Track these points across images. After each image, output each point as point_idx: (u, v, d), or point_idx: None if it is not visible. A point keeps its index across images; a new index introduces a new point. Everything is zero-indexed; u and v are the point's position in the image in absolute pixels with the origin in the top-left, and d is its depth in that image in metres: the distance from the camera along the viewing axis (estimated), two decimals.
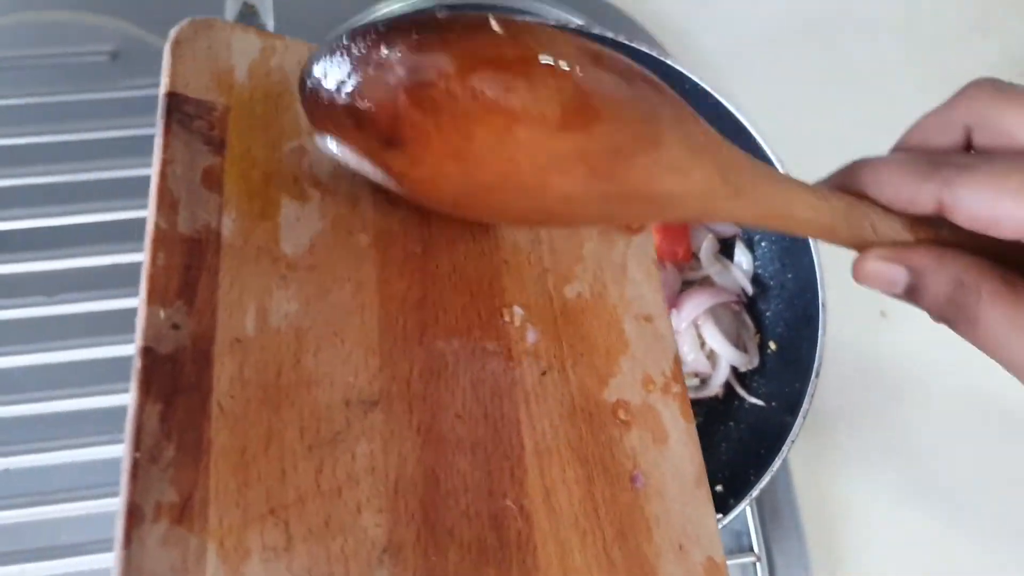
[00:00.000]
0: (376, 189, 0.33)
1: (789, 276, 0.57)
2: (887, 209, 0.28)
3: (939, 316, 0.28)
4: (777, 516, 0.57)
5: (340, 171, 0.33)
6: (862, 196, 0.28)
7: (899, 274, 0.27)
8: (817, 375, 0.48)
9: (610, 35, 0.59)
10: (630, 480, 0.33)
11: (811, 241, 0.51)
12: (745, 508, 0.57)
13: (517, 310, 0.34)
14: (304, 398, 0.27)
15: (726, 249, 0.61)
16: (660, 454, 0.34)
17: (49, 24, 0.66)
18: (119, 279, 0.58)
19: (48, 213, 0.59)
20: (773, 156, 0.54)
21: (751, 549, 0.59)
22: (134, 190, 0.60)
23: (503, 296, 0.34)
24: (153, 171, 0.29)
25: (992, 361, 0.59)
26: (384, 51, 0.24)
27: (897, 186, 0.26)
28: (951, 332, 0.58)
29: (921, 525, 0.54)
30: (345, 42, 0.25)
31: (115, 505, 0.51)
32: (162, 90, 0.30)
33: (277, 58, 0.34)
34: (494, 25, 0.24)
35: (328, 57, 0.25)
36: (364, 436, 0.27)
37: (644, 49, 0.58)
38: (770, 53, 0.65)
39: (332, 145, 0.26)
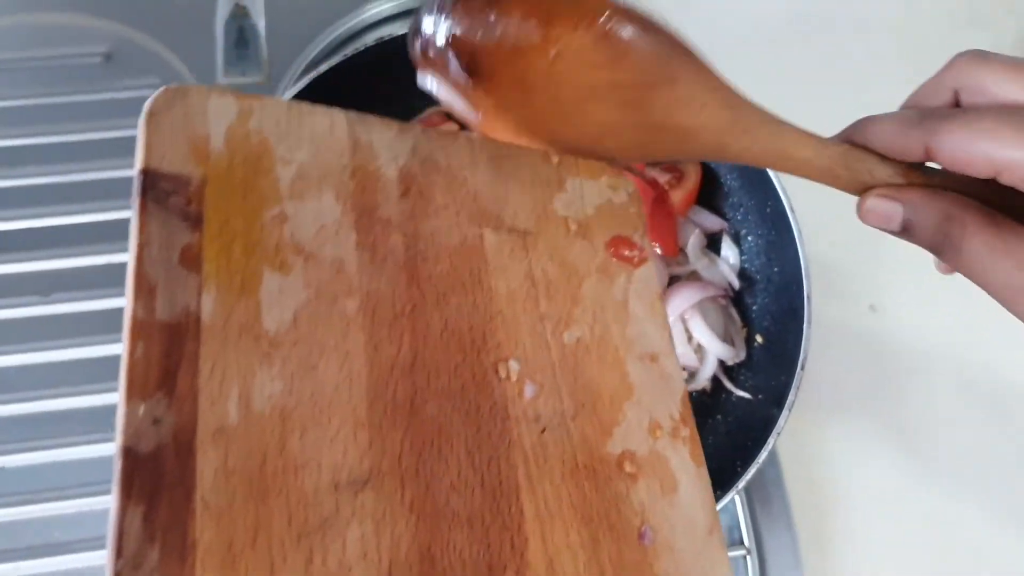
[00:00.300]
0: (363, 248, 0.33)
1: (775, 270, 0.57)
2: (884, 158, 0.31)
3: (929, 246, 0.31)
4: (767, 509, 0.57)
5: (323, 233, 0.32)
6: (863, 147, 0.32)
7: (895, 209, 0.31)
8: (803, 367, 0.49)
9: None
10: (638, 537, 0.32)
11: (796, 235, 0.52)
12: (735, 501, 0.58)
13: (513, 364, 0.33)
14: (291, 485, 0.26)
15: (713, 244, 0.61)
16: (669, 505, 0.33)
17: (43, 26, 0.67)
18: (113, 278, 0.58)
19: (43, 213, 0.60)
20: None
21: (741, 542, 0.59)
22: (128, 190, 0.60)
23: (498, 350, 0.33)
24: (129, 255, 0.28)
25: (983, 353, 0.58)
26: (462, 11, 0.32)
27: (891, 135, 0.31)
28: (939, 324, 0.58)
29: (912, 516, 0.55)
30: (439, 5, 0.33)
31: (108, 503, 0.52)
32: (137, 166, 0.30)
33: (255, 119, 0.33)
34: None
35: (428, 15, 0.33)
36: (355, 519, 0.27)
37: None
38: (764, 50, 0.65)
39: (431, 83, 0.34)
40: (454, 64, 0.32)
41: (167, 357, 0.27)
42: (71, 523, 0.51)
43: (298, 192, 0.32)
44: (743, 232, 0.60)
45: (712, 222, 0.61)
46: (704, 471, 0.35)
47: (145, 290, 0.27)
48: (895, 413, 0.58)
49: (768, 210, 0.55)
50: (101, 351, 0.56)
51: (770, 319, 0.57)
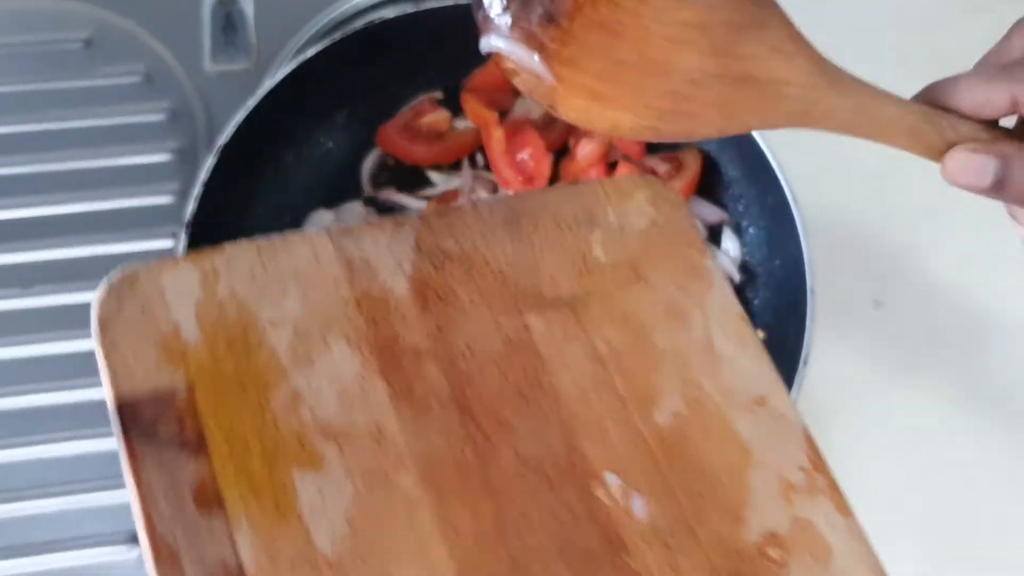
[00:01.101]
0: (398, 398, 0.27)
1: (777, 263, 0.55)
2: (964, 117, 0.30)
3: None
4: None
5: (348, 398, 0.26)
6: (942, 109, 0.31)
7: (988, 162, 0.29)
8: (805, 363, 0.47)
9: None
10: None
11: (799, 227, 0.50)
12: None
13: (610, 478, 0.28)
14: None
15: (713, 236, 0.59)
16: None
17: (21, 11, 0.64)
18: (96, 270, 0.56)
19: (23, 203, 0.58)
20: (759, 138, 0.50)
21: None
22: (111, 179, 0.58)
23: (587, 465, 0.28)
24: (135, 517, 0.23)
25: (990, 350, 0.57)
26: None
27: (973, 90, 0.30)
28: (944, 321, 0.56)
29: (918, 515, 0.53)
30: None
31: (89, 502, 0.49)
32: (110, 404, 0.24)
33: (224, 283, 0.27)
34: None
35: None
36: None
37: None
38: None
39: (496, 42, 0.30)
40: (537, 9, 0.30)
41: None
42: (52, 522, 0.49)
43: (303, 356, 0.27)
44: (744, 223, 0.58)
45: (712, 213, 0.58)
46: (853, 521, 0.30)
47: (167, 561, 0.22)
48: (898, 411, 0.56)
49: (769, 201, 0.53)
50: (82, 345, 0.53)
51: (772, 314, 0.55)
